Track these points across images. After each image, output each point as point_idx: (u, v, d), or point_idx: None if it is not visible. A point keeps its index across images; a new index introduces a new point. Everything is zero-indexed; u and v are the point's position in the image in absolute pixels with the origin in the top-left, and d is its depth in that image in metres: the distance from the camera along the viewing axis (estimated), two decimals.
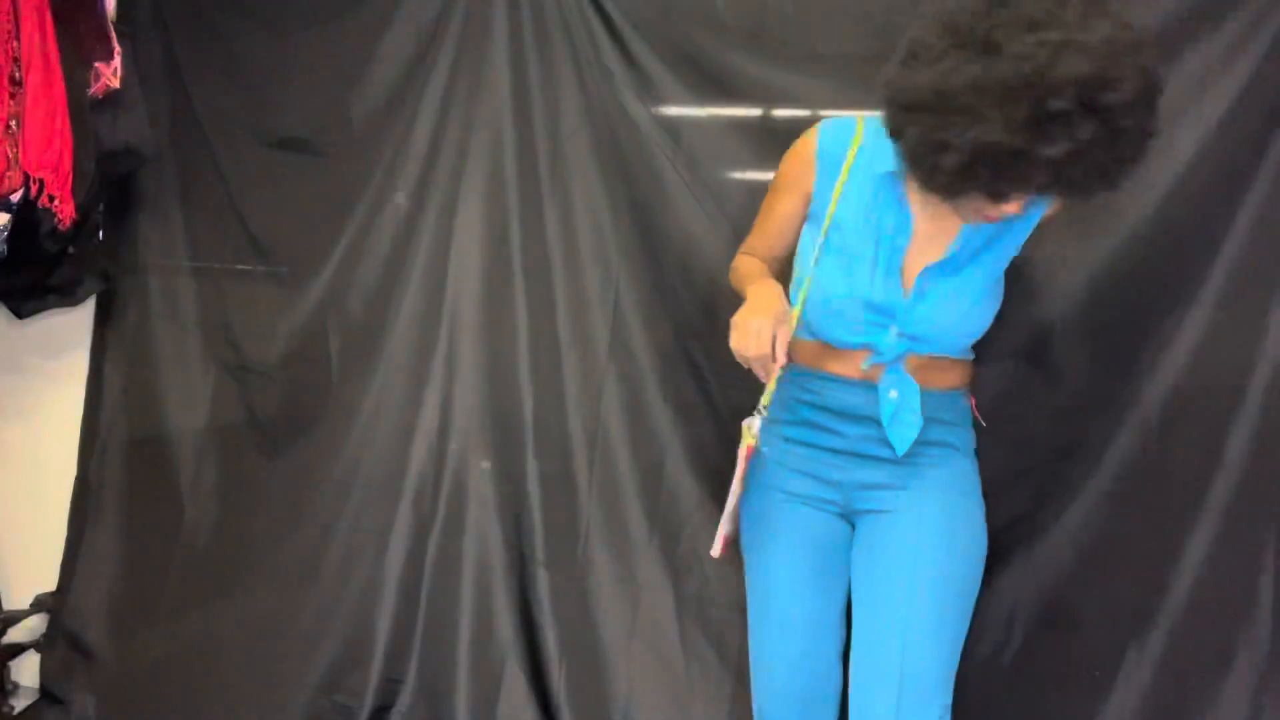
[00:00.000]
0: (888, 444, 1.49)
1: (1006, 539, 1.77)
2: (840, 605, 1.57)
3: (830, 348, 1.52)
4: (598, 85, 2.08)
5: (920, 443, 1.49)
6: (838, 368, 1.52)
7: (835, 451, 1.53)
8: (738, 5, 2.00)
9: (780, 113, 2.01)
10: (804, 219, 1.56)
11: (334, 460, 2.22)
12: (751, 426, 1.50)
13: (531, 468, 2.13)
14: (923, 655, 1.42)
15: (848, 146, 1.50)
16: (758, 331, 1.34)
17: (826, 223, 1.49)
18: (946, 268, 1.46)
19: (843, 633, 1.56)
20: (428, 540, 2.17)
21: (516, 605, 2.13)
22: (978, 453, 1.60)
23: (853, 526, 1.56)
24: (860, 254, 1.47)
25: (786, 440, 1.57)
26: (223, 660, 2.24)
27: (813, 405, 1.55)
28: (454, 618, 2.14)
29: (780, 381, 1.58)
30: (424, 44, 2.18)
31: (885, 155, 1.42)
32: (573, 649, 2.09)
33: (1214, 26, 1.74)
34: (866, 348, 1.48)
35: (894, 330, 1.47)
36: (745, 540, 1.63)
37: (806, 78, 1.95)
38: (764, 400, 1.50)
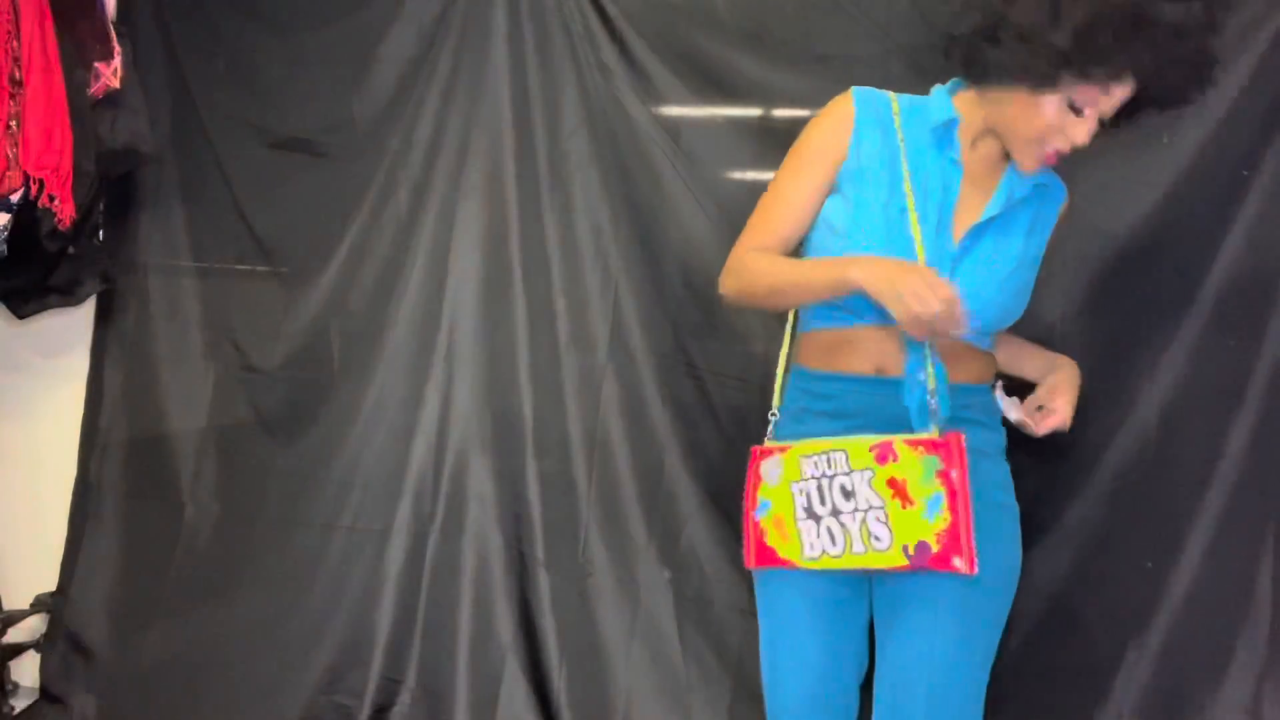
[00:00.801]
0: None
1: None
2: (859, 632, 1.48)
3: (843, 340, 1.44)
4: (598, 85, 2.08)
5: None
6: (852, 363, 1.43)
7: None
8: (738, 5, 2.01)
9: (780, 113, 2.01)
10: (828, 193, 1.47)
11: (334, 460, 2.22)
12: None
13: (531, 468, 2.13)
14: (948, 689, 1.37)
15: (889, 111, 1.46)
16: (929, 285, 1.24)
17: (907, 186, 1.41)
18: (990, 227, 1.42)
19: (863, 661, 1.49)
20: (428, 540, 2.17)
21: (516, 605, 2.13)
22: None
23: None
24: (917, 212, 1.41)
25: None
26: (223, 660, 2.24)
27: (825, 414, 1.44)
28: (454, 618, 2.14)
29: (785, 389, 1.54)
30: (424, 44, 2.19)
31: (933, 110, 1.43)
32: (573, 649, 2.08)
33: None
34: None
35: None
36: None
37: (806, 78, 1.95)
38: (775, 402, 1.47)
